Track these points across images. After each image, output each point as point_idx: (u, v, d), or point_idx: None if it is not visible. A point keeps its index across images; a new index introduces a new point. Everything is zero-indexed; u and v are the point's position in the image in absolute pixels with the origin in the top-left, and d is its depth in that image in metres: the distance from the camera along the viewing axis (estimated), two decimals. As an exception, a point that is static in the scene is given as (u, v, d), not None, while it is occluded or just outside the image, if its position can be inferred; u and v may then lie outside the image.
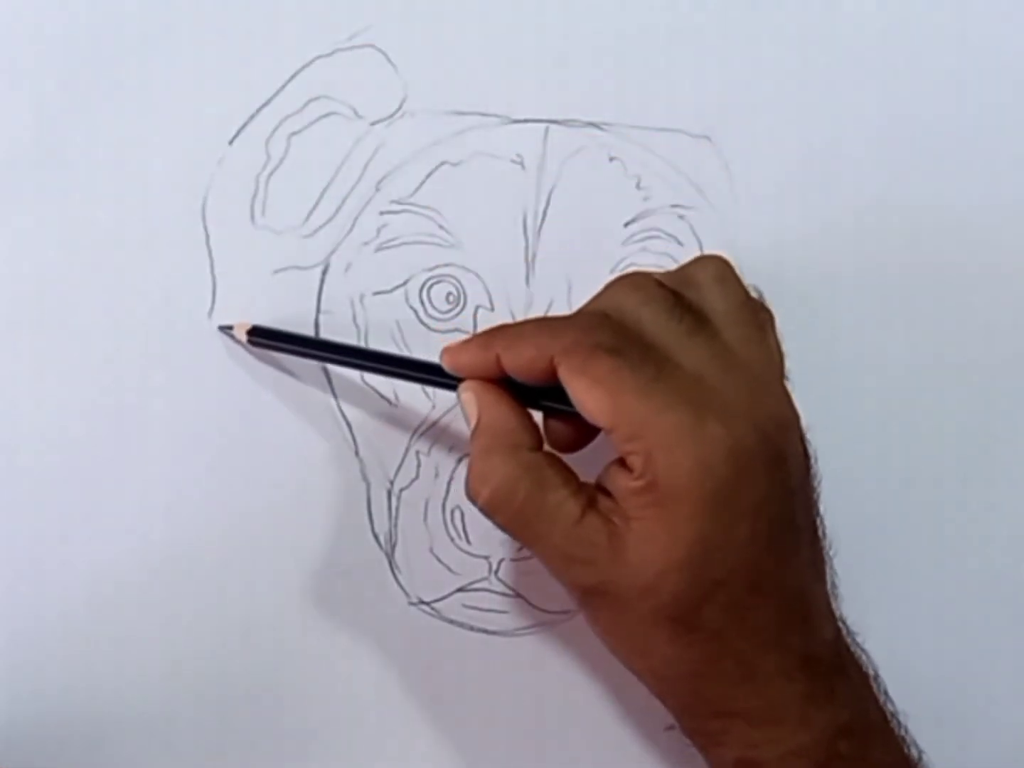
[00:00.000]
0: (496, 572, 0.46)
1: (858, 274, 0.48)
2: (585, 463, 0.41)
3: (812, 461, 0.41)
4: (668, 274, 0.41)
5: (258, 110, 0.46)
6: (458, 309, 0.47)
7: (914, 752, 0.42)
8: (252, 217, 0.46)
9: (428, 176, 0.47)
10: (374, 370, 0.44)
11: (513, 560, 0.46)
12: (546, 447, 0.41)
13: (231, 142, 0.46)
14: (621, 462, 0.38)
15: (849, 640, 0.42)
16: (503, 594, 0.46)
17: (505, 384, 0.40)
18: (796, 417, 0.40)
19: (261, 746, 0.46)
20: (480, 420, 0.40)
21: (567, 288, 0.47)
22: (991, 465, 0.49)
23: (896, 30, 0.48)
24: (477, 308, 0.47)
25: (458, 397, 0.41)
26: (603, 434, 0.39)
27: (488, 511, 0.39)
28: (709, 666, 0.39)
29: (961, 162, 0.48)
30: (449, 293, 0.47)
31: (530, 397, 0.41)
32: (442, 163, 0.47)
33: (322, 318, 0.46)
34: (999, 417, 0.49)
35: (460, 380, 0.41)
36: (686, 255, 0.46)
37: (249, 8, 0.46)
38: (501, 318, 0.46)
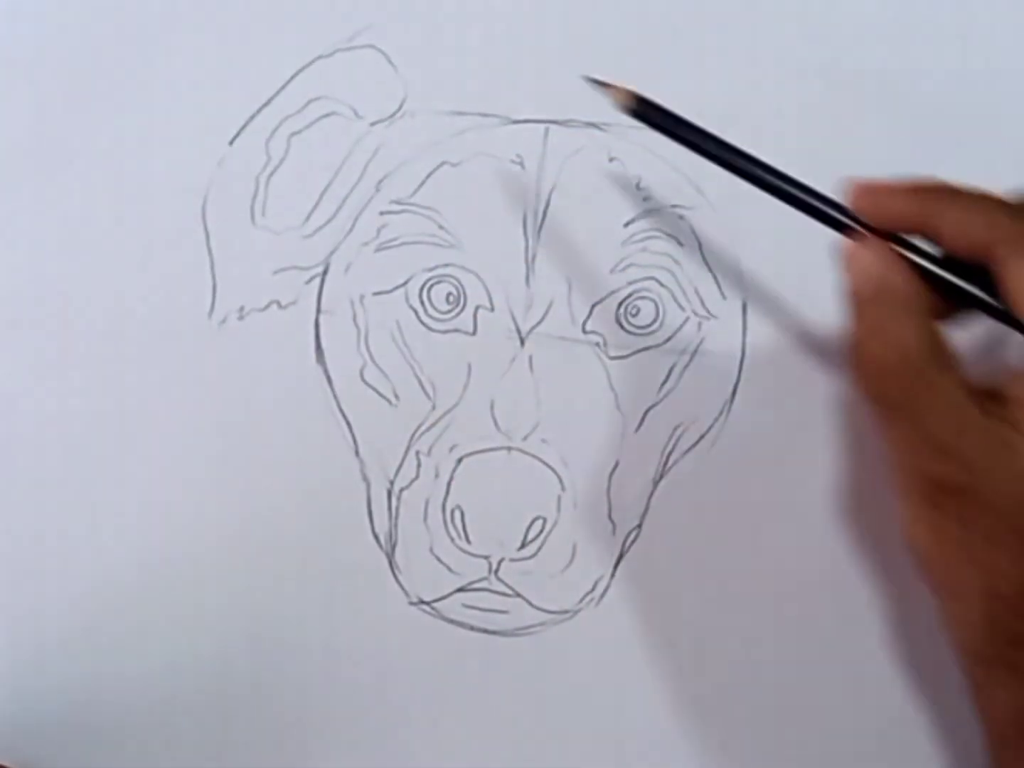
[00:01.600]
0: (496, 572, 0.46)
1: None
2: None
3: None
4: None
5: (258, 110, 0.46)
6: (458, 309, 0.47)
7: None
8: (252, 217, 0.46)
9: (428, 176, 0.47)
10: (751, 179, 0.40)
11: (513, 560, 0.46)
12: None
13: (231, 142, 0.46)
14: None
15: None
16: (503, 594, 0.46)
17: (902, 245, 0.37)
18: None
19: (261, 746, 0.46)
20: (885, 280, 0.37)
21: (567, 288, 0.47)
22: None
23: (896, 30, 0.48)
24: (477, 308, 0.47)
25: (850, 250, 0.38)
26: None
27: (872, 374, 0.37)
28: None
29: (962, 162, 0.48)
30: (449, 293, 0.47)
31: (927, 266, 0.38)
32: (442, 163, 0.47)
33: (322, 318, 0.46)
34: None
35: (852, 224, 0.38)
36: (686, 255, 0.47)
37: (249, 8, 0.46)
38: (501, 318, 0.46)
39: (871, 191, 0.38)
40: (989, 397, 0.37)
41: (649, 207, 0.47)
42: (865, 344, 0.37)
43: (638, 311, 0.47)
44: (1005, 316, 0.37)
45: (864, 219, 0.38)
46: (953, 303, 0.38)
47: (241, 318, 0.46)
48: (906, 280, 0.37)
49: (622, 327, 0.47)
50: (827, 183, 0.46)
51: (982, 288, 0.37)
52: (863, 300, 0.38)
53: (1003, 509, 0.36)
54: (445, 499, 0.46)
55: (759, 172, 0.39)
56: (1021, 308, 0.36)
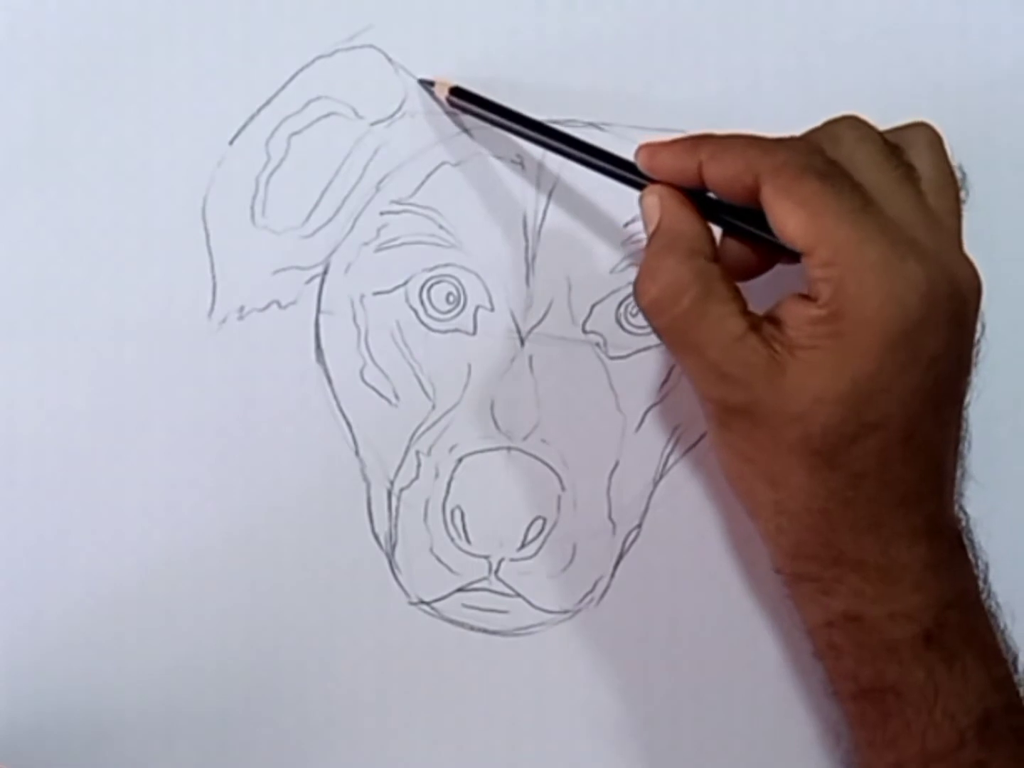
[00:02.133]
0: (496, 572, 0.46)
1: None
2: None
3: (979, 336, 0.41)
4: (884, 131, 0.41)
5: (258, 110, 0.46)
6: (458, 309, 0.47)
7: (1013, 646, 0.42)
8: (252, 217, 0.46)
9: (428, 176, 0.47)
10: (560, 151, 0.43)
11: (513, 560, 0.46)
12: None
13: (231, 142, 0.46)
14: (801, 295, 0.38)
15: (965, 525, 0.42)
16: (503, 594, 0.46)
17: (690, 195, 0.41)
18: (980, 287, 0.40)
19: (261, 746, 0.46)
20: (661, 223, 0.40)
21: (567, 288, 0.47)
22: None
23: (896, 29, 0.48)
24: (477, 308, 0.47)
25: (640, 200, 0.41)
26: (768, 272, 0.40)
27: (651, 311, 0.40)
28: (840, 508, 0.39)
29: (963, 162, 0.48)
30: (449, 293, 0.47)
31: (712, 211, 0.41)
32: (442, 163, 0.47)
33: (322, 318, 0.46)
34: (998, 419, 0.49)
35: (646, 182, 0.41)
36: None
37: (249, 8, 0.46)
38: (501, 318, 0.46)
39: (651, 148, 0.41)
40: (771, 322, 0.39)
41: (649, 207, 0.47)
42: (643, 281, 0.40)
43: (638, 311, 0.47)
44: (775, 245, 0.39)
45: (649, 174, 0.41)
46: (749, 247, 0.41)
47: (241, 318, 0.46)
48: (681, 221, 0.40)
49: (622, 327, 0.47)
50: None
51: (759, 226, 0.40)
52: (646, 242, 0.41)
53: (778, 425, 0.38)
54: (445, 499, 0.46)
55: (564, 146, 0.43)
56: (783, 232, 0.38)
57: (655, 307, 0.39)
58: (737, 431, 0.40)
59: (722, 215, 0.41)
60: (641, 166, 0.41)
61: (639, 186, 0.42)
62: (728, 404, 0.39)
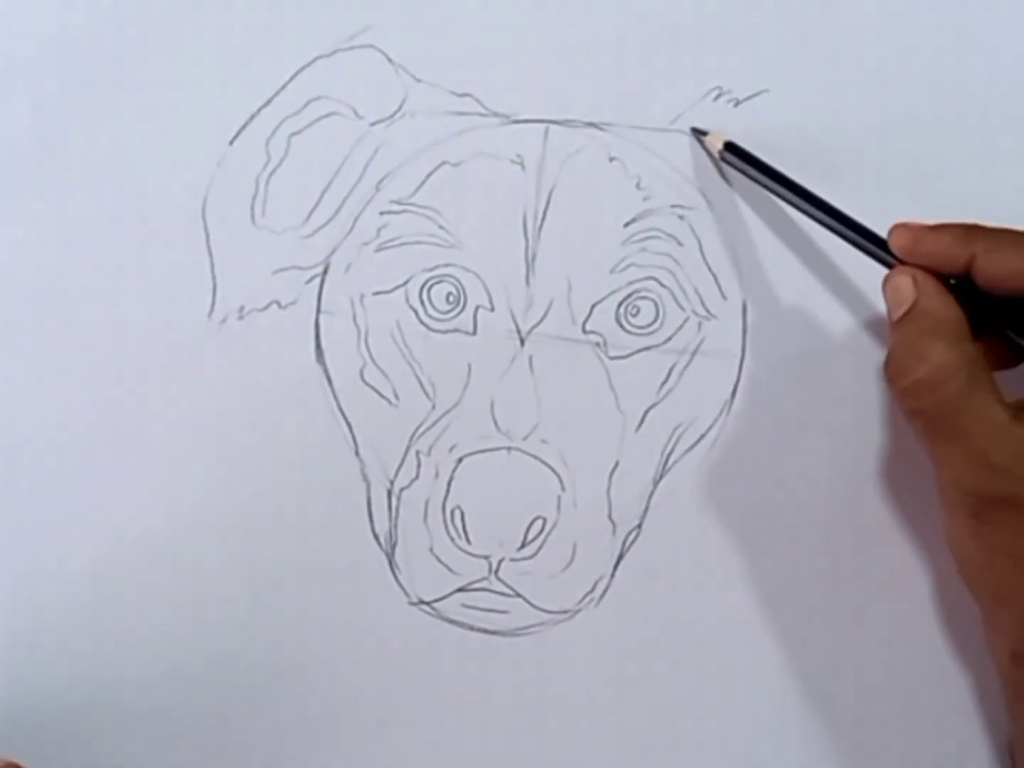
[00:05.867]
0: (496, 572, 0.46)
1: (858, 273, 0.48)
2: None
3: None
4: None
5: (258, 110, 0.46)
6: (458, 309, 0.47)
7: None
8: (252, 217, 0.46)
9: (428, 176, 0.47)
10: (821, 222, 0.44)
11: (513, 560, 0.46)
12: None
13: (231, 142, 0.46)
14: None
15: None
16: (503, 594, 0.46)
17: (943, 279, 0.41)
18: None
19: (261, 745, 0.46)
20: (918, 304, 0.40)
21: (567, 288, 0.47)
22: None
23: (896, 29, 0.48)
24: (477, 308, 0.47)
25: (888, 279, 0.41)
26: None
27: (912, 393, 0.39)
28: None
29: (963, 161, 0.48)
30: (449, 293, 0.47)
31: (966, 298, 0.41)
32: (442, 163, 0.47)
33: (322, 318, 0.46)
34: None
35: (893, 260, 0.42)
36: (686, 255, 0.47)
37: (249, 8, 0.46)
38: (501, 318, 0.46)
39: (911, 233, 0.41)
40: (1021, 409, 0.39)
41: (649, 207, 0.47)
42: (900, 362, 0.40)
43: (638, 311, 0.47)
44: None
45: (905, 258, 0.42)
46: (999, 338, 0.41)
47: (241, 318, 0.46)
48: (942, 305, 0.40)
49: (622, 327, 0.47)
50: (827, 183, 0.46)
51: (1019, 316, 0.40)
52: (898, 321, 0.41)
53: None
54: (445, 499, 0.46)
55: (821, 214, 0.44)
56: None
57: (918, 389, 0.39)
58: (996, 522, 0.39)
59: (980, 306, 0.41)
60: (896, 248, 0.41)
61: (884, 261, 0.42)
62: (988, 494, 0.39)
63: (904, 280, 0.41)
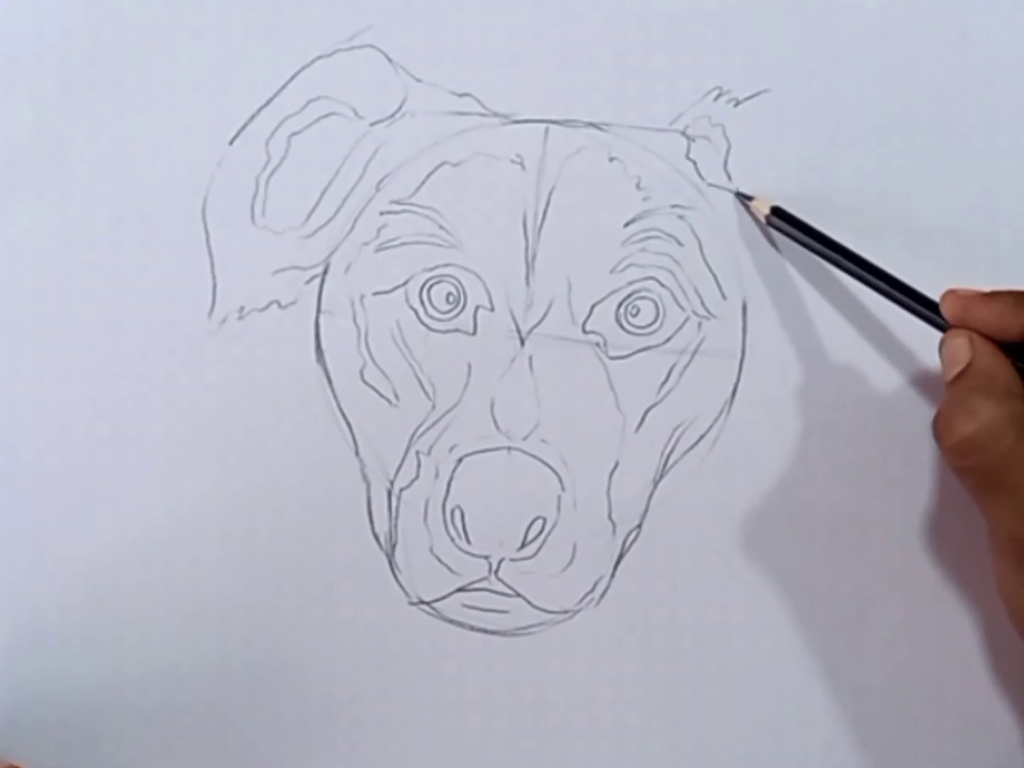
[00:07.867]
0: (496, 572, 0.46)
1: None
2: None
3: None
4: None
5: (258, 110, 0.46)
6: (458, 309, 0.47)
7: None
8: (252, 217, 0.46)
9: (428, 176, 0.47)
10: (870, 284, 0.44)
11: (513, 560, 0.46)
12: None
13: (231, 142, 0.46)
14: None
15: None
16: (503, 594, 0.46)
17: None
18: None
19: (261, 745, 0.46)
20: (973, 364, 0.41)
21: (567, 288, 0.47)
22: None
23: (896, 29, 0.48)
24: (477, 308, 0.47)
25: (945, 340, 0.42)
26: None
27: (963, 449, 0.40)
28: None
29: (963, 162, 0.48)
30: (449, 293, 0.47)
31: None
32: (442, 163, 0.47)
33: (322, 318, 0.46)
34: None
35: (945, 322, 0.42)
36: (686, 255, 0.47)
37: (249, 8, 0.46)
38: (501, 318, 0.46)
39: (963, 301, 0.42)
40: None
41: (649, 207, 0.47)
42: (957, 418, 0.40)
43: (638, 311, 0.47)
44: None
45: (956, 323, 0.42)
46: None
47: (241, 318, 0.46)
48: (996, 365, 0.41)
49: (622, 327, 0.47)
50: (827, 183, 0.47)
51: None
52: (950, 380, 0.41)
53: None
54: (445, 499, 0.46)
55: (871, 277, 0.44)
56: None
57: (969, 445, 0.40)
58: None
59: None
60: (948, 316, 0.42)
61: (937, 324, 0.43)
62: None
63: (961, 341, 0.42)
